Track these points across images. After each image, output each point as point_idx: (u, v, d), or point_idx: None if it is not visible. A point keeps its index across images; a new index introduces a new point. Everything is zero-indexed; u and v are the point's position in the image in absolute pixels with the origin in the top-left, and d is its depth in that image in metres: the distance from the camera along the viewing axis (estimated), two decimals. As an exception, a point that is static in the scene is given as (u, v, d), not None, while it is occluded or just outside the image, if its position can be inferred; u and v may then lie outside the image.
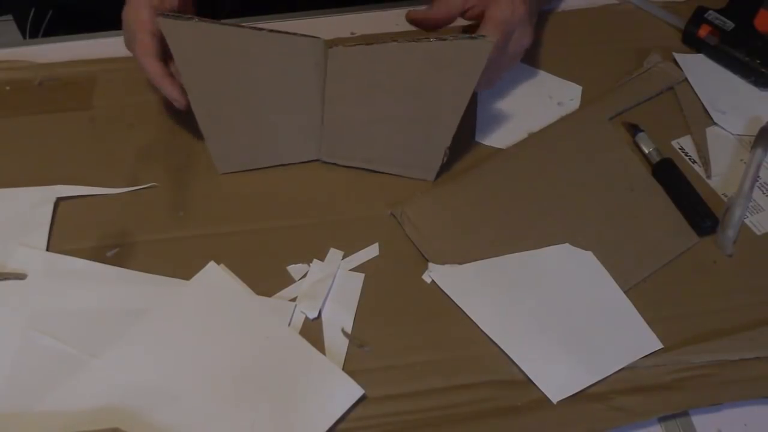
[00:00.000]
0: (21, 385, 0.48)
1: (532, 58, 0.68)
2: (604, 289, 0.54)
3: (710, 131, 0.64)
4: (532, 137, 0.62)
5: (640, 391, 0.49)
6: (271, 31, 0.52)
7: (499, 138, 0.62)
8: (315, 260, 0.55)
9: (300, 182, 0.59)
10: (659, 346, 0.51)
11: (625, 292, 0.53)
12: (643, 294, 0.54)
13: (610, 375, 0.50)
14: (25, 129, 0.62)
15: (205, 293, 0.52)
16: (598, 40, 0.70)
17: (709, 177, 0.61)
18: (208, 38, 0.51)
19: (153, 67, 0.54)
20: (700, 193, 0.59)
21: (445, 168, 0.59)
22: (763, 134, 0.61)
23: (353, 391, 0.48)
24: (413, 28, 0.63)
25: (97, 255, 0.54)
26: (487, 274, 0.54)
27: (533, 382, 0.49)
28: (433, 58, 0.52)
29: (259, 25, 0.52)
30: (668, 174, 0.60)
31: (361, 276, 0.54)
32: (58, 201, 0.57)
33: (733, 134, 0.64)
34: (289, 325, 0.51)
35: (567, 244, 0.56)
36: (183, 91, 0.54)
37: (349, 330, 0.51)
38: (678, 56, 0.68)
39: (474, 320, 0.52)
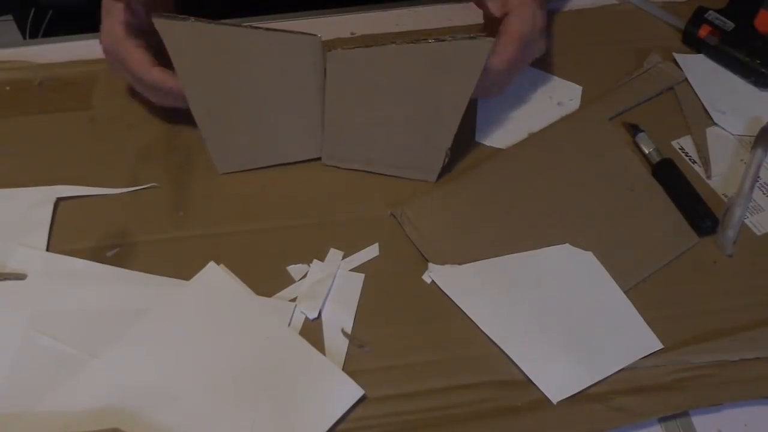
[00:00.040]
0: (21, 385, 0.48)
1: (532, 58, 0.68)
2: (604, 289, 0.54)
3: (710, 131, 0.64)
4: (532, 137, 0.62)
5: (640, 391, 0.49)
6: (268, 29, 0.52)
7: (499, 138, 0.62)
8: (315, 260, 0.55)
9: (300, 182, 0.59)
10: (659, 346, 0.51)
11: (625, 292, 0.53)
12: (643, 294, 0.54)
13: (610, 375, 0.50)
14: (25, 129, 0.62)
15: (205, 293, 0.52)
16: (598, 40, 0.70)
17: (709, 177, 0.61)
18: (205, 38, 0.51)
19: (159, 75, 0.54)
20: (700, 193, 0.58)
21: (445, 168, 0.59)
22: (764, 134, 0.61)
23: (353, 391, 0.48)
24: (413, 28, 0.63)
25: (97, 255, 0.54)
26: (487, 274, 0.54)
27: (533, 382, 0.49)
28: (432, 59, 0.52)
29: (258, 25, 0.52)
30: (668, 174, 0.60)
31: (361, 276, 0.54)
32: (58, 201, 0.57)
33: (733, 134, 0.64)
34: (289, 325, 0.51)
35: (567, 245, 0.56)
36: None
37: (349, 330, 0.51)
38: (678, 56, 0.68)
39: (474, 320, 0.52)
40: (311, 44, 0.52)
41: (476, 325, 0.52)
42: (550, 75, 0.67)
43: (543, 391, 0.49)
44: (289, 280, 0.54)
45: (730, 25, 0.68)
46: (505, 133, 0.62)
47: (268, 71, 0.54)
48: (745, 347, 0.51)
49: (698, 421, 0.49)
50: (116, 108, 0.63)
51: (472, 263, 0.54)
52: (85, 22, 0.72)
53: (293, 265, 0.54)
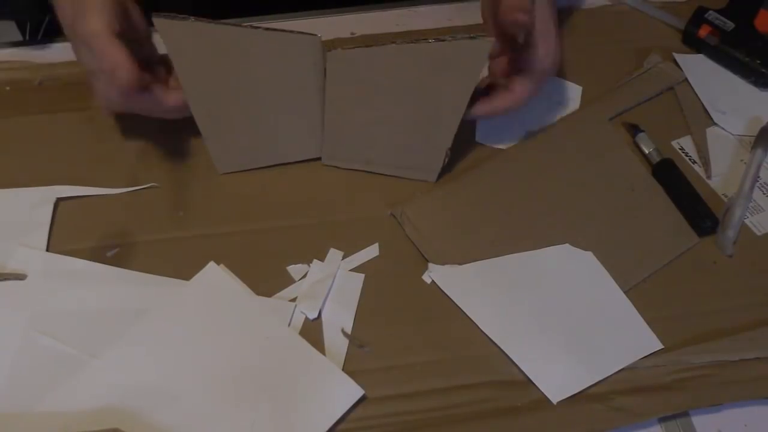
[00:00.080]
0: (21, 385, 0.48)
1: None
2: (604, 290, 0.54)
3: (710, 131, 0.64)
4: (532, 137, 0.62)
5: (640, 391, 0.49)
6: (267, 29, 0.51)
7: (499, 138, 0.62)
8: (315, 260, 0.55)
9: (300, 182, 0.59)
10: (659, 346, 0.51)
11: (625, 293, 0.53)
12: (643, 294, 0.54)
13: (610, 375, 0.50)
14: (25, 129, 0.62)
15: (205, 293, 0.52)
16: (598, 40, 0.70)
17: (709, 177, 0.61)
18: (205, 38, 0.51)
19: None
20: (700, 193, 0.59)
21: (445, 168, 0.59)
22: (763, 134, 0.61)
23: (353, 391, 0.48)
24: (413, 28, 0.63)
25: (97, 255, 0.54)
26: (487, 274, 0.54)
27: (533, 383, 0.49)
28: (432, 59, 0.52)
29: (258, 24, 0.52)
30: (668, 174, 0.60)
31: (361, 276, 0.54)
32: (58, 201, 0.57)
33: (733, 134, 0.64)
34: (289, 325, 0.51)
35: (567, 245, 0.56)
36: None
37: (349, 330, 0.51)
38: (678, 56, 0.68)
39: (474, 320, 0.52)
40: (311, 44, 0.52)
41: (476, 325, 0.52)
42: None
43: (543, 391, 0.49)
44: (289, 280, 0.54)
45: (730, 25, 0.68)
46: (505, 133, 0.62)
47: (268, 71, 0.54)
48: (745, 347, 0.51)
49: (698, 421, 0.49)
50: (116, 108, 0.63)
51: (472, 263, 0.54)
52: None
53: (293, 265, 0.54)
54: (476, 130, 0.62)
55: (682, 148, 0.63)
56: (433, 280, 0.54)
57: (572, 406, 0.49)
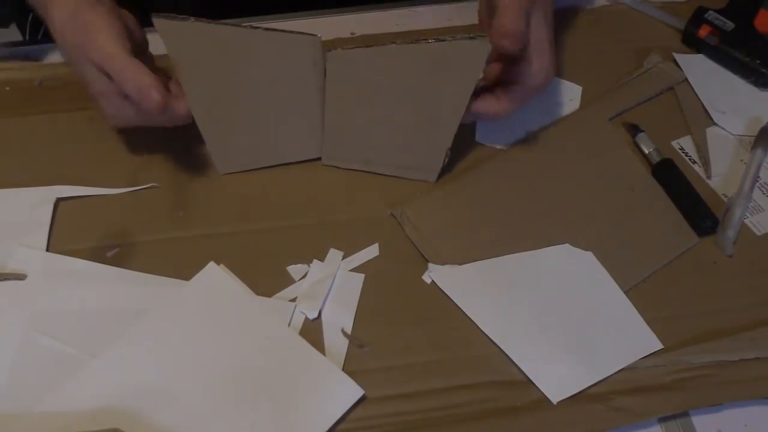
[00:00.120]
0: (21, 385, 0.48)
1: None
2: (604, 290, 0.54)
3: (710, 131, 0.64)
4: (532, 137, 0.62)
5: (640, 391, 0.49)
6: (267, 29, 0.52)
7: (499, 138, 0.62)
8: (315, 260, 0.55)
9: (300, 182, 0.59)
10: (659, 346, 0.51)
11: (625, 293, 0.53)
12: (643, 294, 0.54)
13: (610, 375, 0.50)
14: (25, 129, 0.62)
15: (205, 293, 0.52)
16: (598, 40, 0.70)
17: (709, 177, 0.61)
18: (205, 38, 0.51)
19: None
20: (700, 193, 0.59)
21: (445, 168, 0.59)
22: (763, 134, 0.61)
23: (353, 391, 0.48)
24: (413, 28, 0.63)
25: (97, 255, 0.54)
26: (487, 274, 0.54)
27: (533, 383, 0.49)
28: (432, 59, 0.52)
29: (258, 24, 0.52)
30: (668, 174, 0.60)
31: (361, 276, 0.54)
32: (58, 201, 0.57)
33: (733, 134, 0.64)
34: (289, 325, 0.51)
35: (567, 245, 0.56)
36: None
37: (349, 330, 0.51)
38: (678, 56, 0.68)
39: (474, 320, 0.52)
40: (311, 44, 0.52)
41: (476, 325, 0.52)
42: (550, 75, 0.67)
43: (543, 391, 0.49)
44: (289, 280, 0.54)
45: (730, 25, 0.68)
46: (505, 133, 0.62)
47: (268, 71, 0.54)
48: (745, 347, 0.51)
49: (698, 421, 0.49)
50: (116, 108, 0.63)
51: (472, 263, 0.54)
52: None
53: (293, 265, 0.54)
54: (476, 130, 0.62)
55: (682, 148, 0.63)
56: (433, 280, 0.54)
57: (572, 406, 0.49)
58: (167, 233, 0.56)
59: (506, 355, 0.50)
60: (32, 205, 0.56)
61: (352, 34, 0.69)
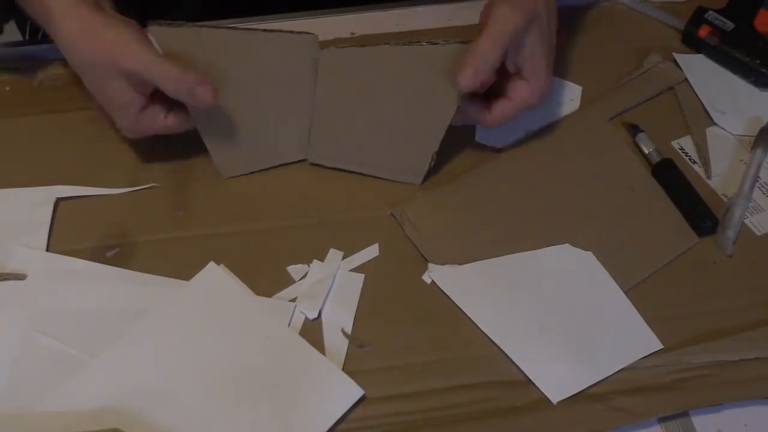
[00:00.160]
0: (21, 386, 0.48)
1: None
2: (604, 290, 0.54)
3: (710, 131, 0.64)
4: (532, 137, 0.62)
5: (640, 391, 0.49)
6: (265, 30, 0.52)
7: (499, 138, 0.62)
8: (315, 260, 0.55)
9: (300, 183, 0.59)
10: (659, 346, 0.51)
11: (625, 293, 0.53)
12: (643, 294, 0.54)
13: (610, 375, 0.50)
14: (25, 129, 0.62)
15: (205, 293, 0.52)
16: (598, 40, 0.70)
17: (709, 177, 0.61)
18: (202, 42, 0.51)
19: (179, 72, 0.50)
20: (700, 193, 0.58)
21: (445, 168, 0.59)
22: (763, 134, 0.61)
23: (353, 391, 0.48)
24: (413, 29, 0.63)
25: (97, 255, 0.54)
26: (487, 274, 0.54)
27: (533, 383, 0.49)
28: (423, 61, 0.52)
29: (254, 26, 0.52)
30: (668, 174, 0.60)
31: (361, 276, 0.54)
32: (58, 201, 0.57)
33: (733, 134, 0.64)
34: (289, 325, 0.51)
35: (567, 245, 0.56)
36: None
37: (349, 330, 0.51)
38: (678, 56, 0.68)
39: (474, 320, 0.52)
40: (310, 43, 0.52)
41: (476, 325, 0.52)
42: (550, 75, 0.67)
43: (543, 391, 0.49)
44: (289, 280, 0.54)
45: (730, 25, 0.68)
46: (505, 133, 0.62)
47: (268, 72, 0.54)
48: (745, 347, 0.51)
49: (698, 421, 0.49)
50: (116, 108, 0.63)
51: (472, 263, 0.54)
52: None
53: (293, 265, 0.54)
54: (476, 130, 0.62)
55: (682, 148, 0.63)
56: (433, 280, 0.54)
57: (572, 406, 0.48)
58: (167, 233, 0.56)
59: (506, 355, 0.50)
60: (32, 205, 0.56)
61: (352, 34, 0.69)
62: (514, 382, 0.50)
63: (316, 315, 0.52)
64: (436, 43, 0.51)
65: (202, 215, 0.57)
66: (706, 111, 0.65)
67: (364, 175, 0.59)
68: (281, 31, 0.52)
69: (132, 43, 0.49)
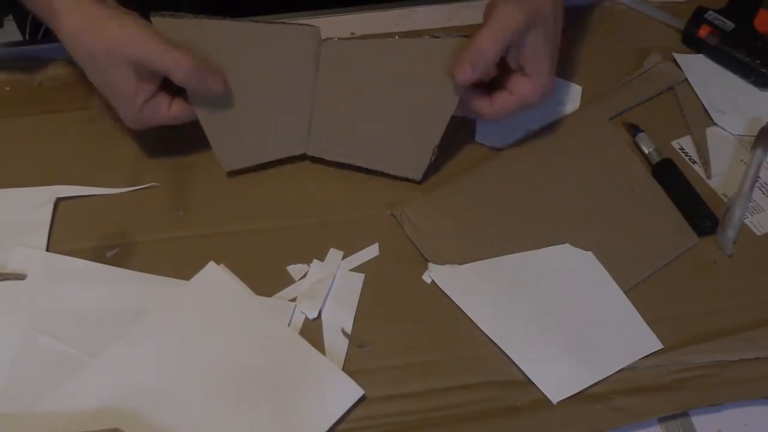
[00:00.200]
0: (21, 386, 0.48)
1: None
2: (604, 290, 0.54)
3: (710, 131, 0.64)
4: (532, 137, 0.62)
5: (640, 391, 0.49)
6: (268, 22, 0.52)
7: (499, 138, 0.62)
8: (315, 260, 0.55)
9: (300, 182, 0.59)
10: (659, 346, 0.51)
11: (625, 293, 0.53)
12: (643, 294, 0.54)
13: (610, 375, 0.50)
14: (25, 129, 0.62)
15: (205, 293, 0.52)
16: (598, 40, 0.70)
17: (709, 177, 0.61)
18: (205, 34, 0.51)
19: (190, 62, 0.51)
20: (700, 193, 0.58)
21: (445, 168, 0.59)
22: (763, 134, 0.61)
23: (353, 391, 0.48)
24: (413, 28, 0.63)
25: (97, 255, 0.54)
26: (487, 274, 0.54)
27: (533, 383, 0.49)
28: (425, 55, 0.52)
29: (257, 19, 0.52)
30: (668, 174, 0.60)
31: (361, 276, 0.54)
32: (58, 201, 0.57)
33: (733, 134, 0.64)
34: (289, 325, 0.51)
35: (567, 245, 0.56)
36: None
37: (349, 330, 0.51)
38: (678, 56, 0.68)
39: (474, 320, 0.52)
40: (311, 35, 0.52)
41: (476, 324, 0.52)
42: (550, 75, 0.67)
43: (543, 391, 0.49)
44: (289, 280, 0.54)
45: (730, 25, 0.68)
46: (505, 133, 0.62)
47: (270, 64, 0.54)
48: (745, 347, 0.51)
49: (698, 421, 0.49)
50: (116, 108, 0.63)
51: (472, 263, 0.54)
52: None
53: (293, 265, 0.54)
54: (476, 130, 0.62)
55: (682, 148, 0.63)
56: (433, 280, 0.54)
57: (572, 406, 0.48)
58: (167, 233, 0.56)
59: (506, 355, 0.50)
60: (32, 205, 0.56)
61: (352, 34, 0.69)
62: (514, 382, 0.50)
63: (316, 315, 0.52)
64: (437, 37, 0.51)
65: (202, 215, 0.57)
66: (706, 111, 0.65)
67: (364, 172, 0.59)
68: (283, 22, 0.52)
69: (140, 33, 0.49)
